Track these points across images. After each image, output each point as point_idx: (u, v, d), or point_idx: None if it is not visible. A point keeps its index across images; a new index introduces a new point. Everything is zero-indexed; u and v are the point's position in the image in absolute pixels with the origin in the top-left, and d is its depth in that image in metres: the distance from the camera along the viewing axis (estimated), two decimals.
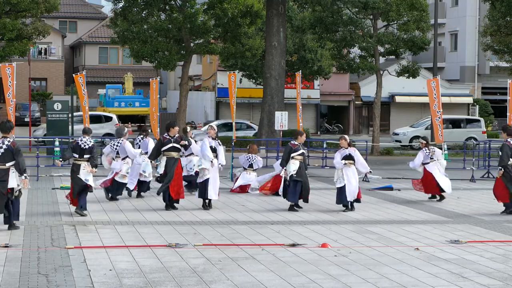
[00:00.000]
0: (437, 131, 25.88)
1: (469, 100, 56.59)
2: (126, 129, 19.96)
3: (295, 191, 17.72)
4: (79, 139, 16.56)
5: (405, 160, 35.21)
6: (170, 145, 17.68)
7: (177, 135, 17.89)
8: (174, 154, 17.70)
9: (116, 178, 18.87)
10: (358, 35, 38.75)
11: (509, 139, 17.91)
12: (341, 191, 17.88)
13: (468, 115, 56.77)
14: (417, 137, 42.22)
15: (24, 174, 14.17)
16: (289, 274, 10.99)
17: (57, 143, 29.20)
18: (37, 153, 25.48)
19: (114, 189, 18.97)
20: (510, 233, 15.20)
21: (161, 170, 17.69)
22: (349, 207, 17.96)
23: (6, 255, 11.93)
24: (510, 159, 17.79)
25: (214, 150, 17.86)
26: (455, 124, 43.76)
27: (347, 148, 18.02)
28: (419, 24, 38.00)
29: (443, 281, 10.77)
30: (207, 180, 17.69)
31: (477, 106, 56.85)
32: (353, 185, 17.81)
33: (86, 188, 16.39)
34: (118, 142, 19.24)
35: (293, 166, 17.77)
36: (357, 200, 18.05)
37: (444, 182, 20.08)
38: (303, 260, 12.01)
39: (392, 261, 12.11)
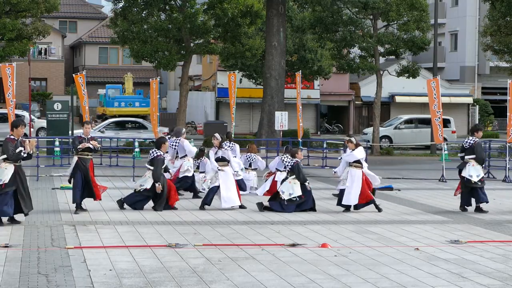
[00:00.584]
0: (437, 131, 25.89)
1: (469, 100, 56.60)
2: (184, 129, 20.32)
3: (286, 207, 17.50)
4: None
5: (405, 160, 35.26)
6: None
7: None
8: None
9: (180, 176, 19.29)
10: (358, 35, 38.76)
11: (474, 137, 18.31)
12: (341, 193, 17.85)
13: (468, 115, 56.84)
14: (385, 137, 41.96)
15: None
16: (289, 274, 10.99)
17: (57, 143, 29.21)
18: (37, 153, 25.47)
19: (184, 184, 19.46)
20: (510, 233, 15.21)
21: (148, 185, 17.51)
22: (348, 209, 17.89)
23: (6, 255, 11.93)
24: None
25: (223, 159, 17.80)
26: (424, 123, 42.89)
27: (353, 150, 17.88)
28: (419, 24, 38.01)
29: (443, 281, 10.77)
30: (216, 188, 17.59)
31: (477, 106, 56.86)
32: (353, 190, 17.45)
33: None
34: (176, 142, 19.67)
35: (296, 189, 17.51)
36: (358, 205, 17.71)
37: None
38: (303, 260, 12.01)
39: (392, 261, 12.11)
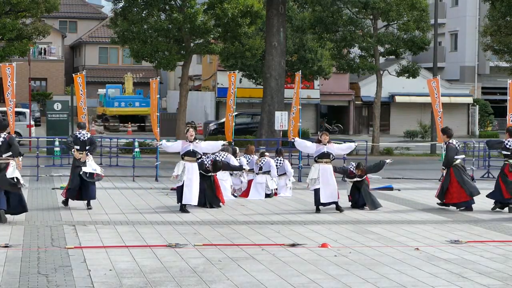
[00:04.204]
0: (439, 131, 25.90)
1: (469, 100, 56.61)
2: (230, 148, 20.36)
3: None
4: (78, 132, 17.82)
5: (405, 160, 35.25)
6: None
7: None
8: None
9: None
10: (358, 35, 38.77)
11: (451, 141, 18.55)
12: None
13: (468, 115, 56.82)
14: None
15: (20, 157, 15.37)
16: (289, 274, 10.99)
17: (57, 143, 29.23)
18: (37, 153, 25.48)
19: None
20: (510, 233, 15.21)
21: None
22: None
23: (6, 255, 11.93)
24: (456, 157, 18.48)
25: (195, 153, 17.37)
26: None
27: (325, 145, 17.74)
28: (419, 24, 38.03)
29: (443, 281, 10.77)
30: (182, 186, 17.20)
31: (477, 106, 56.88)
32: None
33: (93, 177, 17.48)
34: (224, 155, 19.46)
35: (312, 172, 17.68)
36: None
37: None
38: (303, 260, 12.01)
39: (392, 261, 12.11)
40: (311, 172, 17.80)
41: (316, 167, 17.67)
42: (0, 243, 12.81)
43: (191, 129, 17.67)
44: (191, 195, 17.15)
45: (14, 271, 10.84)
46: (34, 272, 10.85)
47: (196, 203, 17.34)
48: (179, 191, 17.29)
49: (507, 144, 18.37)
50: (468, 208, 18.33)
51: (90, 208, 17.34)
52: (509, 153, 18.30)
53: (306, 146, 18.12)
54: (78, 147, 17.59)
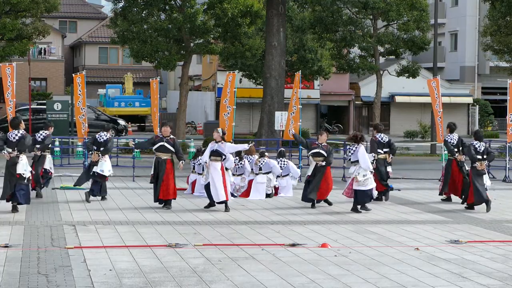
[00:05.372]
0: (439, 131, 25.93)
1: (469, 100, 56.62)
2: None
3: (306, 190, 18.39)
4: (98, 134, 19.22)
5: (405, 160, 35.24)
6: (161, 143, 17.72)
7: (171, 136, 17.89)
8: (163, 155, 17.67)
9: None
10: (358, 35, 38.79)
11: (376, 135, 19.60)
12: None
13: (468, 115, 56.83)
14: None
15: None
16: (289, 274, 10.99)
17: (57, 143, 29.22)
18: None
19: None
20: (510, 233, 15.21)
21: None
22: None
23: (6, 255, 11.93)
24: (380, 150, 19.39)
25: (219, 153, 17.46)
26: None
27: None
28: (419, 24, 38.07)
29: (443, 281, 10.77)
30: (208, 184, 17.43)
31: (477, 106, 56.88)
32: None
33: (100, 177, 18.72)
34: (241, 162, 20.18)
35: (310, 169, 18.37)
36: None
37: None
38: (303, 260, 12.01)
39: (392, 261, 12.11)
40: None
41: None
42: (0, 243, 12.82)
43: (218, 129, 18.03)
44: (217, 193, 17.34)
45: (14, 271, 10.84)
46: (34, 272, 10.85)
47: (223, 198, 17.42)
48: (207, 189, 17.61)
49: (450, 140, 19.56)
50: (379, 199, 19.43)
51: (105, 199, 18.82)
52: (456, 149, 19.42)
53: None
54: (95, 148, 18.92)
